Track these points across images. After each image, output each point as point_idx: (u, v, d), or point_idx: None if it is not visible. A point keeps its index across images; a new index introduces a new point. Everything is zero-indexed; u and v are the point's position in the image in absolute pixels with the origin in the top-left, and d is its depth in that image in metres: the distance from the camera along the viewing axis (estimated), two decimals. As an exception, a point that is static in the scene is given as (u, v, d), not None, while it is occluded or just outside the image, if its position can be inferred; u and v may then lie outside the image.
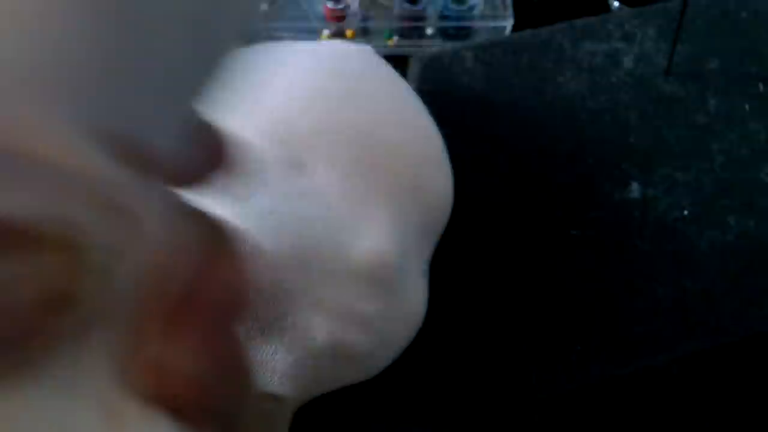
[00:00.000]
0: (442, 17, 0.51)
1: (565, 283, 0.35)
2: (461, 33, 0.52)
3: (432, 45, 0.52)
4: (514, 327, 0.34)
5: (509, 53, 0.42)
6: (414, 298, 0.33)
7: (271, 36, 0.52)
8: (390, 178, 0.32)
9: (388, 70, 0.35)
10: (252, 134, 0.31)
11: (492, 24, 0.51)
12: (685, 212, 0.37)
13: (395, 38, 0.52)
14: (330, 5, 0.51)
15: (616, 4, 0.50)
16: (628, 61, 0.41)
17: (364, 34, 0.52)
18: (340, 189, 0.31)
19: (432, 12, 0.51)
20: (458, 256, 0.39)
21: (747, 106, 0.40)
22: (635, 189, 0.37)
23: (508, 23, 0.50)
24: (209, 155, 0.16)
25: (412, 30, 0.51)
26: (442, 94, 0.40)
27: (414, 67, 0.42)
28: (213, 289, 0.14)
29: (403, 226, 0.32)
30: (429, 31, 0.51)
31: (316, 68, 0.33)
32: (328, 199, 0.31)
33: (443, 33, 0.52)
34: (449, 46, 0.46)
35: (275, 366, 0.30)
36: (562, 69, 0.41)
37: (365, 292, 0.30)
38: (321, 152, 0.31)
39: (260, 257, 0.29)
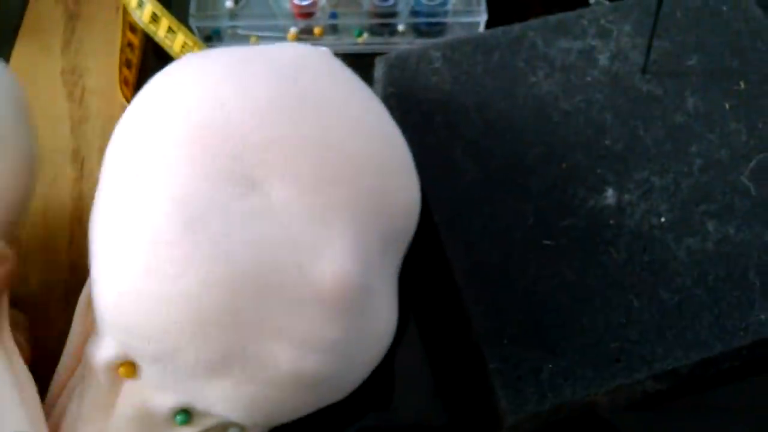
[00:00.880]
0: (414, 13, 0.49)
1: (536, 296, 0.33)
2: (434, 29, 0.50)
3: (404, 42, 0.50)
4: (480, 344, 0.32)
5: (479, 52, 0.40)
6: (381, 316, 0.31)
7: (236, 34, 0.50)
8: (351, 191, 0.30)
9: (347, 74, 0.33)
10: (201, 151, 0.29)
11: (465, 19, 0.49)
12: (663, 219, 0.35)
13: (365, 35, 0.50)
14: (297, 2, 0.49)
15: (594, -3, 0.48)
16: (603, 59, 0.40)
17: (333, 31, 0.50)
18: (297, 206, 0.29)
19: (403, 8, 0.49)
20: (424, 267, 0.37)
21: (727, 105, 0.38)
22: (610, 195, 0.35)
23: (482, 18, 0.48)
24: None
25: (383, 27, 0.50)
26: (409, 95, 0.39)
27: (378, 68, 0.40)
28: None
29: (367, 240, 0.30)
30: (401, 27, 0.49)
31: (268, 75, 0.31)
32: (284, 219, 0.28)
33: (415, 29, 0.50)
34: (419, 43, 0.44)
35: (237, 397, 0.29)
36: (535, 68, 0.39)
37: (328, 317, 0.28)
38: (274, 167, 0.29)
39: (212, 285, 0.27)
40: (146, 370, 0.29)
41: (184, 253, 0.27)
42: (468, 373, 0.35)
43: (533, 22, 0.41)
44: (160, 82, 0.32)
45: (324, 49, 0.34)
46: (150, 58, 0.51)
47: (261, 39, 0.50)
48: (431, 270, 0.37)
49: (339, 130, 0.30)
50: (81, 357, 0.33)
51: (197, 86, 0.31)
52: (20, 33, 0.51)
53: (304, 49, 0.34)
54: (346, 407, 0.32)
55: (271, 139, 0.29)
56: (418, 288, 0.38)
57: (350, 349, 0.29)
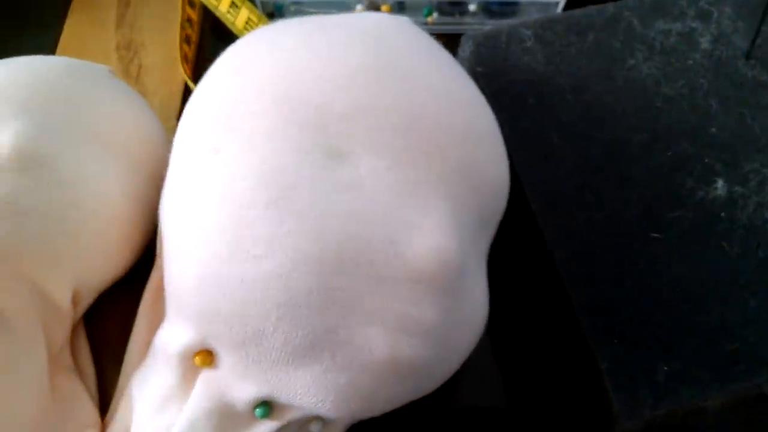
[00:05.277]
0: (487, -8, 0.47)
1: (646, 293, 0.31)
2: (507, 10, 0.47)
3: (474, 23, 0.47)
4: (587, 343, 0.30)
5: (572, 32, 0.38)
6: (476, 298, 0.29)
7: (300, 11, 0.47)
8: (442, 163, 0.27)
9: (430, 42, 0.31)
10: (283, 123, 0.27)
11: (541, 0, 0.46)
12: (777, 213, 0.33)
13: (435, 15, 0.47)
14: (364, -22, 0.46)
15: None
16: (705, 42, 0.37)
17: (400, 9, 0.48)
18: (388, 179, 0.26)
19: (475, -14, 0.47)
20: (519, 257, 0.35)
21: (839, 94, 0.36)
22: (720, 186, 0.33)
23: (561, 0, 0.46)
24: None
25: (453, 6, 0.47)
26: (499, 76, 0.36)
27: (465, 47, 0.38)
28: None
29: (460, 216, 0.27)
30: (472, 7, 0.47)
31: (350, 43, 0.29)
32: (374, 192, 0.26)
33: (487, 10, 0.47)
34: (501, 24, 0.42)
35: (327, 386, 0.26)
36: (632, 50, 0.37)
37: (425, 297, 0.26)
38: (362, 138, 0.27)
39: (300, 264, 0.25)
40: (226, 358, 0.27)
41: (269, 231, 0.25)
42: (568, 380, 0.33)
43: (628, 2, 0.38)
44: (232, 55, 0.30)
45: (404, 17, 0.32)
46: (207, 35, 0.49)
47: (325, 17, 0.48)
48: (518, 259, 0.35)
49: (425, 99, 0.28)
50: (147, 348, 0.31)
51: (273, 57, 0.28)
52: (72, 6, 0.49)
53: (383, 16, 0.31)
54: (417, 409, 0.30)
55: (355, 109, 0.27)
56: (502, 279, 0.35)
57: (447, 333, 0.27)
